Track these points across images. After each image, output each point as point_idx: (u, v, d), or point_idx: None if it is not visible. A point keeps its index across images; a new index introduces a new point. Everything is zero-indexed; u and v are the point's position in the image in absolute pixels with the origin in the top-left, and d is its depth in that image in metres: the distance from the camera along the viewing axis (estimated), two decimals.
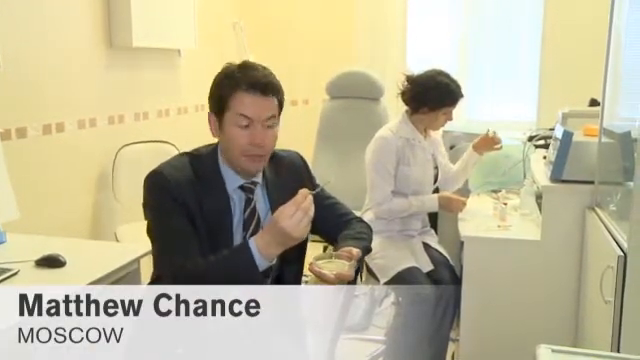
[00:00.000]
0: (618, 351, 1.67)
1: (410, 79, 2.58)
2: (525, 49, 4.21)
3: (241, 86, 1.49)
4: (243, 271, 1.42)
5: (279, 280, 1.67)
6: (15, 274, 1.79)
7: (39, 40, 2.64)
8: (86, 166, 2.98)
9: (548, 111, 3.81)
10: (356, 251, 1.52)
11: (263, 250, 1.40)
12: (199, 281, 1.44)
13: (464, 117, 4.35)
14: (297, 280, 1.71)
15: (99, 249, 2.20)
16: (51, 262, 1.86)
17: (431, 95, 2.51)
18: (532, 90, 4.17)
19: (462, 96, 2.55)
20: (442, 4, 4.37)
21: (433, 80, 2.53)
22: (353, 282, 1.59)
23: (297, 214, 1.37)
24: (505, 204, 2.65)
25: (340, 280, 1.47)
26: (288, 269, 1.65)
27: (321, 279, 1.48)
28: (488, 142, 2.68)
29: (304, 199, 1.39)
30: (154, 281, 1.64)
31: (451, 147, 3.14)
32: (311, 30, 4.53)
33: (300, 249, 1.55)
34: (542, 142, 3.09)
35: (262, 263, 1.41)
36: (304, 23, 4.54)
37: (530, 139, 3.13)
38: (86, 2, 2.93)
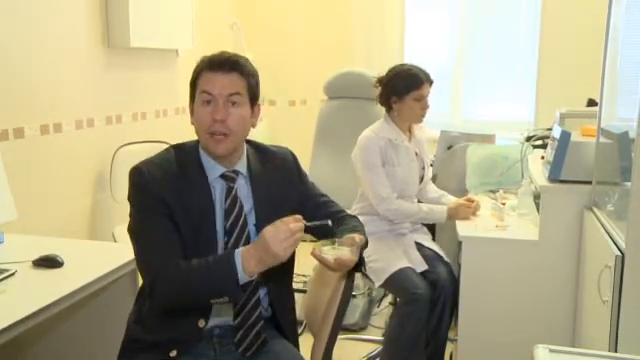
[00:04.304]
0: (616, 351, 1.67)
1: (379, 79, 2.63)
2: (523, 49, 4.22)
3: (206, 65, 1.54)
4: (223, 281, 1.42)
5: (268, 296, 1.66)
6: (13, 274, 1.78)
7: (37, 40, 2.64)
8: (84, 166, 2.98)
9: (546, 111, 3.83)
10: (359, 237, 1.53)
11: (246, 263, 1.40)
12: (178, 284, 1.45)
13: (461, 117, 4.37)
14: (283, 297, 1.70)
15: (97, 249, 2.20)
16: (49, 262, 1.86)
17: (395, 83, 2.55)
18: (530, 90, 4.19)
19: (430, 81, 2.56)
20: (440, 4, 4.38)
21: (394, 70, 2.60)
22: (357, 270, 1.58)
23: (284, 232, 1.37)
24: (503, 204, 2.65)
25: (340, 265, 1.48)
26: (274, 284, 1.64)
27: (323, 264, 1.48)
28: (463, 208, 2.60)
29: (295, 221, 1.39)
30: (142, 292, 1.64)
31: (449, 147, 3.14)
32: (309, 31, 4.54)
33: (284, 267, 1.52)
34: (540, 142, 3.10)
35: (243, 277, 1.41)
36: (302, 24, 4.55)
37: (528, 139, 3.13)
38: (84, 2, 2.93)
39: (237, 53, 1.59)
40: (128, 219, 1.55)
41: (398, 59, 4.30)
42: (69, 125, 2.85)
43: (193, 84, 1.57)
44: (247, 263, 1.40)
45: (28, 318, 1.55)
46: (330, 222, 1.51)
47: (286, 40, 4.57)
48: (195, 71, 1.57)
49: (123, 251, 1.94)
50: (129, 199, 1.55)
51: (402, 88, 2.53)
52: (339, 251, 1.48)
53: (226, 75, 1.52)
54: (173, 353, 1.54)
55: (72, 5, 2.86)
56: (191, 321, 1.56)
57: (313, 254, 1.47)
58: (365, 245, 1.60)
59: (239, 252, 1.42)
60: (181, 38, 3.61)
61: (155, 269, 1.47)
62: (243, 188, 1.61)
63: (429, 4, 4.43)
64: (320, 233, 1.55)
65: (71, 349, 2.14)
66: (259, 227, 1.58)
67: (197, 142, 1.61)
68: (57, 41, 2.76)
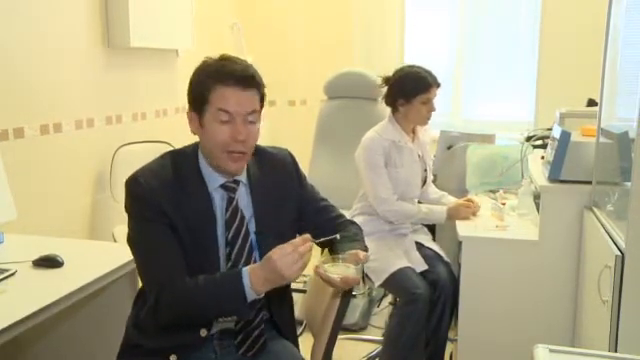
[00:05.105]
0: (616, 351, 1.67)
1: (385, 79, 2.61)
2: (523, 49, 4.22)
3: (221, 80, 1.45)
4: (231, 300, 1.41)
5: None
6: (13, 274, 1.78)
7: (37, 40, 2.63)
8: (84, 166, 2.98)
9: (546, 111, 3.83)
10: (363, 254, 1.51)
11: (254, 283, 1.39)
12: (185, 301, 1.44)
13: (462, 117, 4.37)
14: (281, 298, 1.67)
15: (97, 249, 2.20)
16: (49, 262, 1.86)
17: (403, 85, 2.54)
18: (530, 90, 4.18)
19: (438, 84, 2.55)
20: (440, 5, 4.38)
21: (403, 72, 2.58)
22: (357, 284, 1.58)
23: (292, 255, 1.36)
24: (503, 204, 2.65)
25: (346, 284, 1.47)
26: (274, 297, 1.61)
27: (327, 283, 1.47)
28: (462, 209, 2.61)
29: (303, 242, 1.38)
30: (140, 295, 1.63)
31: (449, 147, 3.14)
32: (309, 31, 4.54)
33: None
34: (540, 142, 3.10)
35: (251, 295, 1.40)
36: (302, 24, 4.55)
37: (528, 139, 3.14)
38: (84, 2, 2.93)
39: (245, 60, 1.52)
40: (127, 228, 1.53)
41: (398, 59, 4.31)
42: (69, 125, 2.85)
43: (201, 95, 1.47)
44: (255, 283, 1.39)
45: (28, 318, 1.54)
46: (339, 236, 1.50)
47: (286, 40, 4.57)
48: (202, 80, 1.47)
49: (123, 251, 1.92)
50: (127, 209, 1.52)
51: (410, 90, 2.52)
52: (344, 269, 1.46)
53: (244, 92, 1.46)
54: (173, 358, 1.53)
55: (72, 5, 2.85)
56: (193, 330, 1.55)
57: (317, 272, 1.47)
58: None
59: (246, 272, 1.41)
60: (181, 38, 3.61)
61: (160, 282, 1.45)
62: (243, 196, 1.58)
63: (429, 4, 4.42)
64: (326, 245, 1.55)
65: (71, 349, 2.14)
66: (260, 234, 1.57)
67: (195, 149, 1.57)
68: (57, 41, 2.76)
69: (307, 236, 1.41)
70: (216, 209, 1.54)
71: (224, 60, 1.50)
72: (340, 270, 1.46)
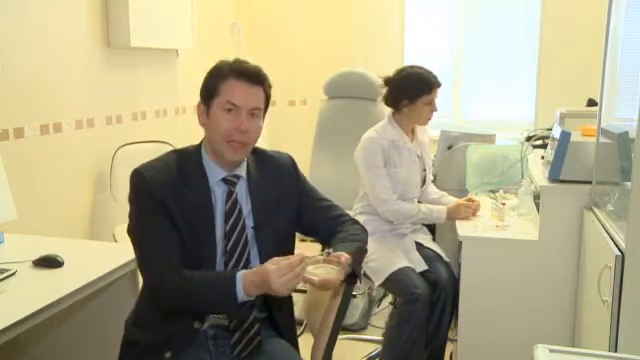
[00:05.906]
0: (616, 351, 1.67)
1: (387, 80, 2.61)
2: (523, 49, 4.22)
3: (231, 73, 1.54)
4: (223, 299, 1.46)
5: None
6: (13, 274, 1.79)
7: (37, 40, 2.64)
8: (84, 166, 2.98)
9: (546, 111, 3.83)
10: (345, 257, 1.50)
11: (247, 288, 1.44)
12: (181, 291, 1.48)
13: (462, 117, 4.37)
14: (281, 299, 1.65)
15: (97, 249, 2.20)
16: (49, 262, 1.86)
17: (406, 86, 2.53)
18: (530, 90, 4.19)
19: (439, 84, 2.55)
20: (439, 5, 4.38)
21: (405, 72, 2.57)
22: (353, 283, 1.58)
23: (288, 276, 1.40)
24: (503, 204, 2.65)
25: (324, 286, 1.48)
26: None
27: (307, 283, 1.48)
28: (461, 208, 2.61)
29: (299, 263, 1.42)
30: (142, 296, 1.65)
31: (449, 147, 3.14)
32: (309, 31, 4.54)
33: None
34: (540, 142, 3.10)
35: (242, 297, 1.44)
36: (302, 24, 4.55)
37: (528, 139, 3.13)
38: (84, 2, 2.93)
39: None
40: (128, 219, 1.56)
41: (398, 59, 4.31)
42: (69, 125, 2.85)
43: (211, 87, 1.56)
44: (247, 288, 1.44)
45: (28, 318, 1.55)
46: (332, 250, 1.53)
47: (286, 40, 4.57)
48: (215, 74, 1.56)
49: (123, 251, 1.94)
50: (129, 201, 1.56)
51: (413, 91, 2.52)
52: (325, 271, 1.47)
53: (252, 87, 1.56)
54: (167, 354, 1.54)
55: (72, 5, 2.86)
56: (187, 322, 1.57)
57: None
58: (363, 252, 1.62)
59: (241, 276, 1.44)
60: (181, 38, 3.61)
61: (157, 274, 1.49)
62: (242, 192, 1.63)
63: (429, 4, 4.42)
64: (326, 243, 1.59)
65: (71, 349, 2.14)
66: (257, 229, 1.61)
67: (198, 146, 1.63)
68: (57, 41, 2.76)
69: (304, 256, 1.45)
70: (216, 202, 1.58)
71: (237, 60, 1.59)
72: (322, 272, 1.47)
